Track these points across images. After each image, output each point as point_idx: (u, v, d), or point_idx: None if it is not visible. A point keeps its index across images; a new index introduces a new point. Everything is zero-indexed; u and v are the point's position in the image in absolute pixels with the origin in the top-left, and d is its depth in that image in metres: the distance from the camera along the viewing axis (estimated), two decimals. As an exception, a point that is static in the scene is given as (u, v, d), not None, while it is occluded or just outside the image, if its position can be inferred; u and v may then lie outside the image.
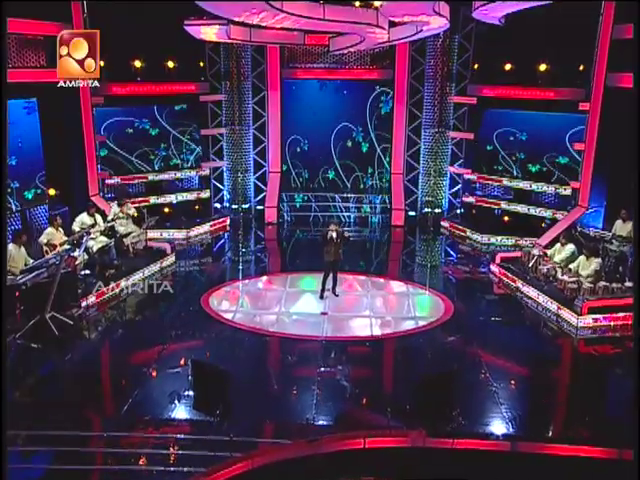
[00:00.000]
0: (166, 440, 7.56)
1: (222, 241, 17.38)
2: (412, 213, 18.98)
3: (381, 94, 18.82)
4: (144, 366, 9.47)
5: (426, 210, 18.87)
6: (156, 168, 17.59)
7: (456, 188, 18.92)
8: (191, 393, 8.61)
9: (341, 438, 7.77)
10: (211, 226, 17.44)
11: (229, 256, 16.24)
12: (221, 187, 19.04)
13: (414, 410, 8.27)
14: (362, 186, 19.38)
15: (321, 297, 12.40)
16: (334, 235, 12.03)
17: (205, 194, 18.33)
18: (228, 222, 18.05)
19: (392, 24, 12.88)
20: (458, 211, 18.95)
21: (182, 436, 7.65)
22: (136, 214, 14.72)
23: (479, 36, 17.33)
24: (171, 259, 14.46)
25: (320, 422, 8.13)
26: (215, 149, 18.70)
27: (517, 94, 16.45)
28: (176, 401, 8.47)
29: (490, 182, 17.85)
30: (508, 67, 16.73)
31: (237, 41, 15.27)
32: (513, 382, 9.38)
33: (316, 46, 17.35)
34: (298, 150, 19.26)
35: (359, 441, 7.73)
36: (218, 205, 19.03)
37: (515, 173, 17.51)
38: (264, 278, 13.97)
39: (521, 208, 17.01)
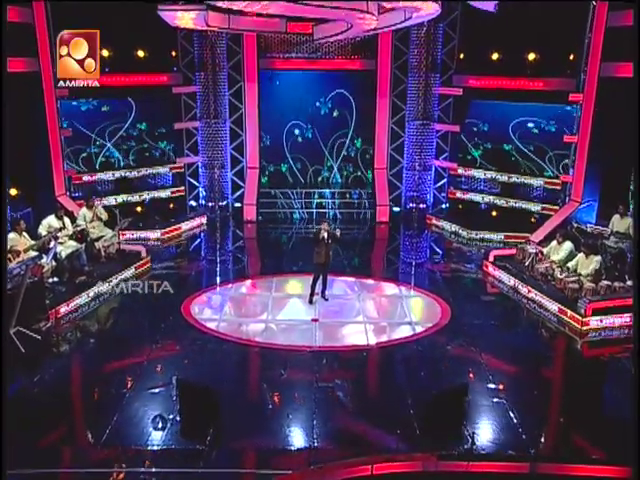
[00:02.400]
0: (153, 475, 6.74)
1: (199, 241, 16.51)
2: (396, 209, 18.38)
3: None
4: (123, 386, 8.60)
5: (411, 205, 18.29)
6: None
7: (441, 182, 18.37)
8: (177, 417, 7.81)
9: (346, 465, 7.07)
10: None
11: (208, 258, 15.35)
12: (196, 184, 18.15)
13: (423, 430, 7.62)
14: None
15: (310, 302, 11.67)
16: (325, 235, 11.29)
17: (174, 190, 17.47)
18: (205, 221, 17.20)
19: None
20: (443, 206, 18.43)
21: (171, 470, 6.85)
22: (107, 216, 13.75)
23: (465, 24, 16.75)
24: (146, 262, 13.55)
25: (321, 446, 7.42)
26: (189, 144, 17.78)
27: (504, 84, 15.94)
28: (161, 427, 7.66)
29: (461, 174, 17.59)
30: (495, 56, 16.20)
31: (215, 28, 14.32)
32: (524, 393, 8.79)
33: (296, 35, 16.47)
34: (261, 145, 18.48)
35: (366, 467, 7.05)
36: (194, 203, 18.15)
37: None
38: (248, 282, 13.15)
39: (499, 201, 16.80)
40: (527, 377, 9.34)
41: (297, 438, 7.57)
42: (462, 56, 17.00)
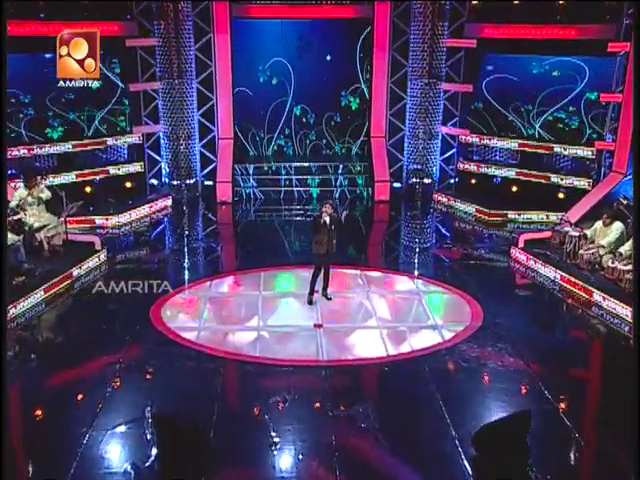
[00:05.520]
0: None
1: (163, 227, 15.23)
2: (397, 185, 17.30)
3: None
4: (81, 424, 7.30)
5: (413, 180, 17.21)
6: None
7: (449, 153, 17.33)
8: (155, 465, 6.62)
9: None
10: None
11: (176, 249, 14.00)
12: (158, 158, 16.91)
13: (477, 474, 6.54)
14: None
15: (309, 302, 10.51)
16: (327, 220, 10.06)
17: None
18: (169, 203, 15.96)
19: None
20: (452, 181, 17.40)
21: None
22: (50, 197, 12.38)
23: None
24: (101, 256, 12.22)
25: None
26: (148, 110, 16.44)
27: (528, 34, 14.93)
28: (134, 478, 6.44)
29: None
30: (516, 0, 15.08)
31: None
32: (593, 415, 7.81)
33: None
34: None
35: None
36: (155, 181, 16.85)
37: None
38: (230, 279, 11.89)
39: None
40: (589, 392, 8.41)
41: (316, 491, 6.44)
42: (476, 0, 15.86)
